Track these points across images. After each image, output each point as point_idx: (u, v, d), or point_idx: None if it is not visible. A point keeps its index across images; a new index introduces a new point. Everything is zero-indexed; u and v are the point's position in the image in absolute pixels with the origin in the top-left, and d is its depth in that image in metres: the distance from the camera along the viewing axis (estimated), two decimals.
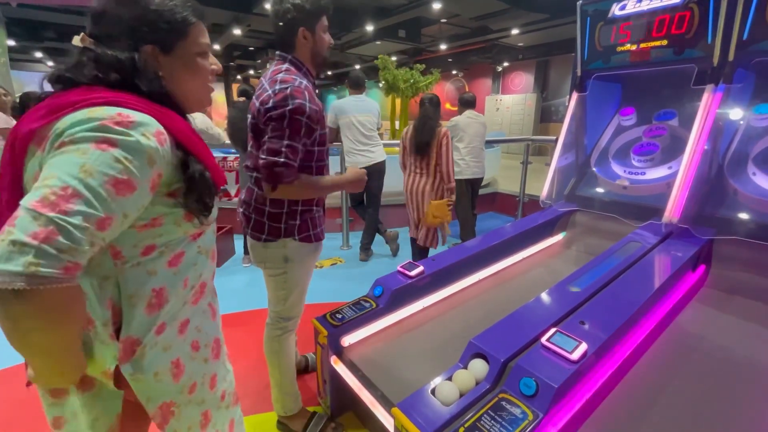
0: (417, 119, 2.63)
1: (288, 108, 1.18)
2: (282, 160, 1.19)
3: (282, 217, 1.32)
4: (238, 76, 16.54)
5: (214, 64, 0.77)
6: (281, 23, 1.27)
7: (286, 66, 1.30)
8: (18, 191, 0.60)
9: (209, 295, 0.82)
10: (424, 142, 2.54)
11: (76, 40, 0.64)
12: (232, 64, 14.46)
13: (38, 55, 13.12)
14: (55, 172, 0.52)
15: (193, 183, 0.67)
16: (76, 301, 0.57)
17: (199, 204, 0.69)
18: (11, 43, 8.81)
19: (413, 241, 2.84)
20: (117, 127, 0.56)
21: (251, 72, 16.46)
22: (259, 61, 13.02)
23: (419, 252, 2.80)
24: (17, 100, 3.58)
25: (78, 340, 0.62)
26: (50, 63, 14.24)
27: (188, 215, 0.70)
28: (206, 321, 0.80)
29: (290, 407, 1.53)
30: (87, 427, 0.73)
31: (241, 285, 2.99)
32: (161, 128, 0.62)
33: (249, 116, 1.31)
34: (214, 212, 0.77)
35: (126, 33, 0.65)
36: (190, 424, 0.76)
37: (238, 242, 3.59)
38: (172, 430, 0.74)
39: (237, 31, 9.60)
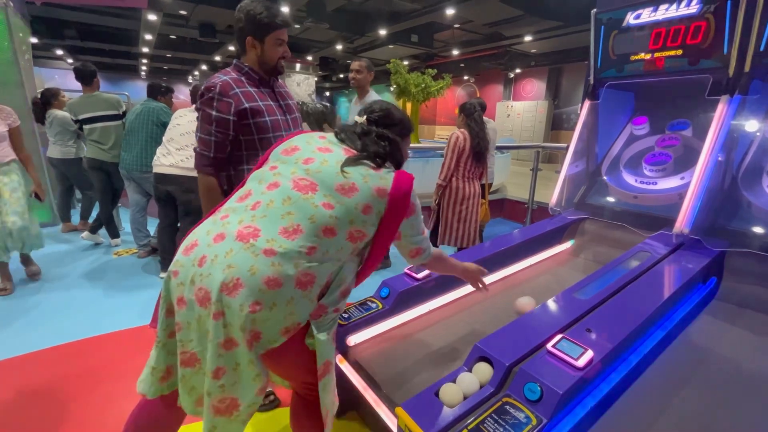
0: (476, 125, 2.61)
1: (198, 102, 1.38)
2: (197, 149, 1.40)
3: None
4: None
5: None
6: (235, 30, 1.38)
7: (229, 68, 1.45)
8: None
9: None
10: (486, 148, 2.64)
11: (360, 119, 1.12)
12: None
13: (59, 52, 13.45)
14: (418, 227, 1.10)
15: None
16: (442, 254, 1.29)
17: None
18: (34, 40, 9.05)
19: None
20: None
21: None
22: None
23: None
24: (38, 95, 3.68)
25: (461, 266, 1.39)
26: (70, 60, 14.58)
27: None
28: None
29: None
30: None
31: None
32: None
33: None
34: None
35: (395, 124, 1.13)
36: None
37: None
38: (323, 385, 0.96)
39: None
